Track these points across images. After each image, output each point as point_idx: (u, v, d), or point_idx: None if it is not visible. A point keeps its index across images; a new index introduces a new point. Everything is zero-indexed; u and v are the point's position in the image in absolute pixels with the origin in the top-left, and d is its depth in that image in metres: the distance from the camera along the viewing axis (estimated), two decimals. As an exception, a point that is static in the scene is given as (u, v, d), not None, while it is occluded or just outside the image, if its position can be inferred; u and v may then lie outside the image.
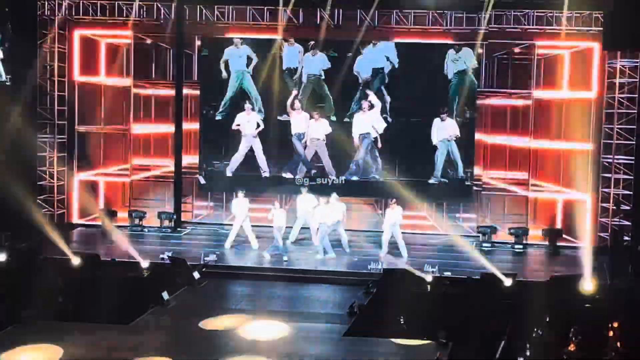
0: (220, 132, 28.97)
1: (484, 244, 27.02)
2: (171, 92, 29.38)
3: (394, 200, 25.82)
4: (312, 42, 28.06)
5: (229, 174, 28.62)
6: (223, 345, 18.21)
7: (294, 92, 28.37)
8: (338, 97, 28.36)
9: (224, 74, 28.51)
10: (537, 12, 27.16)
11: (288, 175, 28.61)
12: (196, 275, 23.02)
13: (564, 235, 27.40)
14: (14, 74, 27.99)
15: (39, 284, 21.15)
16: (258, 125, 28.34)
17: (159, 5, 28.53)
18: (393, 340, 18.49)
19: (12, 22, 27.74)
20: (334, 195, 25.84)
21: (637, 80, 26.43)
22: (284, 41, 28.20)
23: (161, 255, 24.33)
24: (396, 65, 27.97)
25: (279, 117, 28.48)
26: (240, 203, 26.20)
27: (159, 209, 29.48)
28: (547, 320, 17.74)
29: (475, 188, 28.43)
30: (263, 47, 28.53)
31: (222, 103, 28.67)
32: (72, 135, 29.53)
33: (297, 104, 28.21)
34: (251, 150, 28.68)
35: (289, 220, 26.04)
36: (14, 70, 27.94)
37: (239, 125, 28.42)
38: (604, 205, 27.10)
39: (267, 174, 28.44)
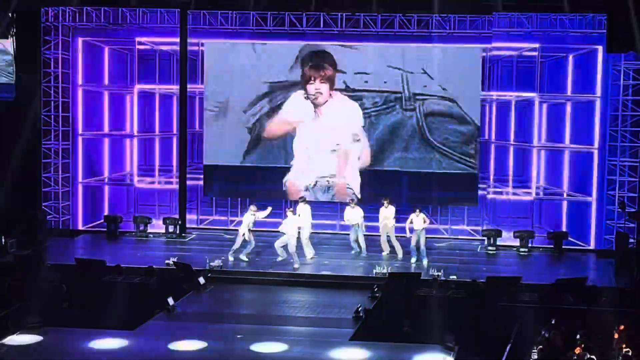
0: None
1: (489, 247, 27.00)
2: (175, 96, 29.44)
3: (354, 200, 26.60)
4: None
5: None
6: (229, 350, 18.24)
7: None
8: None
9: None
10: (541, 15, 27.14)
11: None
12: (201, 280, 23.02)
13: (569, 238, 27.34)
14: (17, 80, 28.13)
15: (44, 290, 21.17)
16: None
17: (162, 11, 28.57)
18: (399, 344, 18.49)
19: (16, 29, 27.86)
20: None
21: (642, 82, 26.45)
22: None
23: (166, 261, 24.33)
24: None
25: None
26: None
27: (163, 214, 29.54)
28: (553, 323, 17.70)
29: (480, 191, 28.38)
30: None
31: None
32: (76, 141, 29.55)
33: None
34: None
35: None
36: (17, 77, 28.10)
37: None
38: (609, 207, 27.05)
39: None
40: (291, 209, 25.68)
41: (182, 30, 28.49)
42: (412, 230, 25.39)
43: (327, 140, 28.65)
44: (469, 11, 27.60)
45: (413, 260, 25.28)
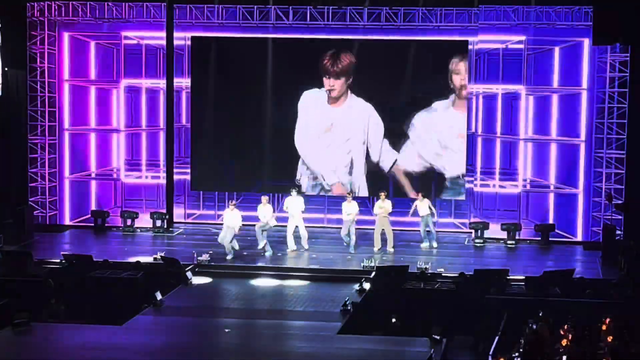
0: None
1: (477, 240, 27.04)
2: (162, 91, 29.38)
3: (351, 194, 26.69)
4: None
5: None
6: (217, 344, 18.23)
7: None
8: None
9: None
10: (527, 8, 27.17)
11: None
12: (189, 275, 22.98)
13: (556, 231, 27.41)
14: (3, 75, 28.01)
15: (31, 286, 21.11)
16: None
17: (149, 5, 28.52)
18: (387, 337, 18.50)
19: (1, 24, 27.74)
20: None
21: (628, 74, 26.46)
22: None
23: (154, 256, 24.29)
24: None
25: None
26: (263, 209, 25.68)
27: (151, 209, 29.49)
28: (541, 315, 17.74)
29: (467, 184, 28.42)
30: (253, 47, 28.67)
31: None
32: (63, 136, 29.47)
33: None
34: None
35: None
36: (3, 72, 27.98)
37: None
38: (596, 199, 27.12)
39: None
40: (233, 202, 25.67)
41: (169, 24, 28.43)
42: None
43: (336, 136, 28.89)
44: (455, 4, 27.66)
45: (424, 245, 26.16)
